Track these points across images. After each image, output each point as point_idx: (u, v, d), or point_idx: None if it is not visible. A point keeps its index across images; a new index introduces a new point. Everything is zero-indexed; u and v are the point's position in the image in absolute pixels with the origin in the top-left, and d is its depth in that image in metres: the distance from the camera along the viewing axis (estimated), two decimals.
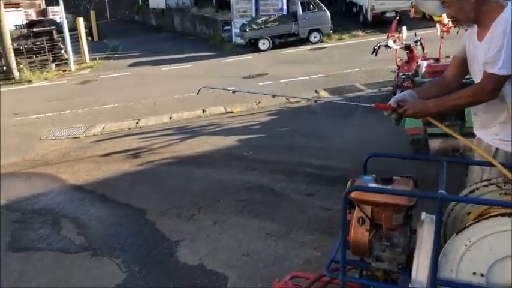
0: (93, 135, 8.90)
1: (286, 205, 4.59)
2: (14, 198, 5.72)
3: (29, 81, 16.29)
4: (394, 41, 7.29)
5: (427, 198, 1.96)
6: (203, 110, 9.61)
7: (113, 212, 4.95)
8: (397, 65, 7.65)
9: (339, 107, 8.60)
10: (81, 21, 18.96)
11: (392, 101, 2.44)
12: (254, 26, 16.99)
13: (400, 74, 7.08)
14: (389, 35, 7.52)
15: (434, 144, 5.23)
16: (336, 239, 2.18)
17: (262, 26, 16.93)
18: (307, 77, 11.56)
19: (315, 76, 11.61)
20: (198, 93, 3.40)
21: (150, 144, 7.64)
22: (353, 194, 2.02)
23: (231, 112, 9.22)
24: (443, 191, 1.85)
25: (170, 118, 9.45)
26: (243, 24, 17.57)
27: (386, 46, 7.23)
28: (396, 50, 7.48)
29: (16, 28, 25.17)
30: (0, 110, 11.07)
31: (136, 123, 9.41)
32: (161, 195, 5.28)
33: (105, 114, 10.53)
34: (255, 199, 4.82)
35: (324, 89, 10.10)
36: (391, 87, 8.03)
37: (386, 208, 2.02)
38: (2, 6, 16.55)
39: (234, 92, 3.26)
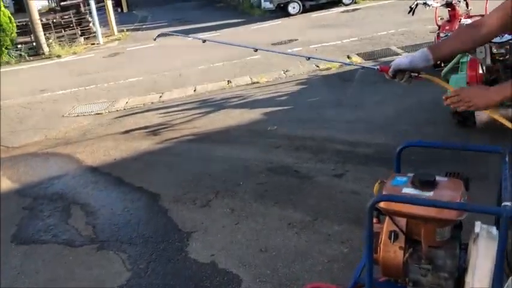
0: (116, 110, 8.61)
1: (312, 189, 4.10)
2: (28, 182, 5.50)
3: (58, 56, 16.15)
4: None
5: (487, 213, 1.42)
6: (228, 81, 9.12)
7: (125, 197, 4.61)
8: (437, 25, 6.87)
9: (375, 72, 7.95)
10: None
11: (392, 68, 1.88)
12: None
13: (441, 34, 6.31)
14: None
15: (482, 116, 4.58)
16: None
17: None
18: (339, 42, 10.81)
19: (348, 40, 10.84)
20: (155, 39, 2.93)
21: (171, 120, 7.25)
22: (382, 204, 1.50)
23: (257, 82, 8.68)
24: (509, 204, 1.31)
25: (194, 90, 9.01)
26: None
27: (425, 4, 6.45)
28: (436, 8, 6.68)
29: (49, 2, 25.15)
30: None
31: (160, 96, 9.04)
32: (178, 177, 4.89)
33: (129, 88, 10.22)
34: (277, 182, 4.35)
35: (357, 54, 9.37)
36: None
37: (428, 221, 1.50)
38: None
39: (204, 41, 2.62)
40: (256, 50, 2.64)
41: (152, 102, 8.75)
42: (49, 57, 16.19)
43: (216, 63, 11.10)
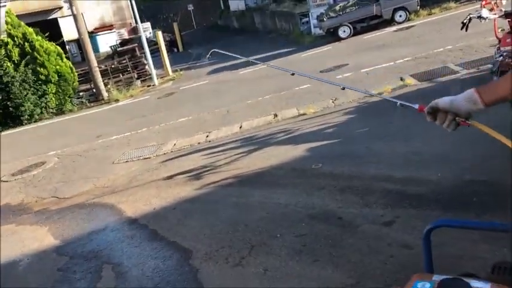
0: (164, 153, 8.53)
1: (356, 242, 3.60)
2: (68, 238, 5.42)
3: (116, 100, 16.70)
4: (491, 9, 5.83)
5: None
6: (274, 115, 8.80)
7: (157, 254, 4.33)
8: (497, 38, 6.16)
9: (433, 95, 7.30)
10: (160, 34, 19.13)
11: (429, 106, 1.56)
12: (332, 14, 15.76)
13: (502, 49, 5.62)
14: (484, 2, 6.06)
15: None
16: None
17: (341, 13, 15.63)
18: (392, 63, 10.22)
19: (401, 60, 10.22)
20: (208, 57, 2.65)
21: (214, 161, 7.00)
22: None
23: (304, 114, 8.29)
24: None
25: (240, 127, 8.77)
26: (320, 14, 16.43)
27: (480, 17, 5.79)
28: (494, 20, 6.00)
29: (111, 48, 26.51)
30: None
31: (207, 136, 8.89)
32: (213, 228, 4.56)
33: (179, 129, 10.20)
34: (318, 233, 3.89)
35: (411, 75, 8.73)
36: (491, 65, 6.54)
37: None
38: (86, 34, 17.17)
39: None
40: (293, 74, 2.36)
41: (199, 143, 8.60)
42: (108, 102, 16.78)
43: (264, 95, 10.86)
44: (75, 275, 4.33)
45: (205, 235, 4.47)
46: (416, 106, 1.66)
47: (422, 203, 3.92)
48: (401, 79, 8.64)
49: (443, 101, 1.52)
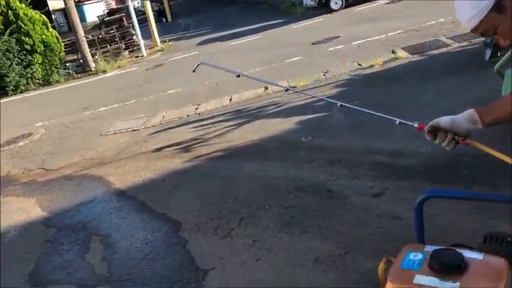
0: (152, 126, 8.45)
1: (344, 213, 3.60)
2: (56, 209, 5.38)
3: (104, 72, 16.42)
4: None
5: None
6: (265, 88, 8.70)
7: (146, 226, 4.31)
8: None
9: (423, 68, 7.25)
10: (148, 4, 18.70)
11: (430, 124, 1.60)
12: None
13: None
14: None
15: None
16: None
17: None
18: (384, 35, 10.11)
19: (393, 33, 10.11)
20: (194, 71, 2.68)
21: (203, 134, 6.94)
22: None
23: (295, 87, 8.20)
24: None
25: (230, 100, 8.68)
26: None
27: None
28: None
29: (98, 18, 25.94)
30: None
31: (196, 108, 8.80)
32: (202, 201, 4.54)
33: (168, 101, 10.07)
34: (306, 205, 3.88)
35: (403, 48, 8.65)
36: (484, 38, 6.49)
37: None
38: (73, 3, 16.71)
39: (238, 76, 2.46)
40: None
41: (188, 115, 8.51)
42: (95, 73, 16.50)
43: (255, 68, 10.73)
44: (63, 247, 4.31)
45: (194, 207, 4.45)
46: (416, 124, 1.65)
47: (411, 175, 3.92)
48: (393, 52, 8.56)
49: (444, 121, 1.52)
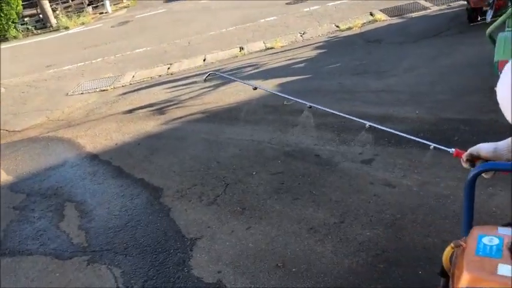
0: (122, 86, 8.06)
1: (336, 180, 3.48)
2: (23, 174, 5.04)
3: (66, 28, 15.57)
4: None
5: None
6: (240, 48, 8.40)
7: (124, 192, 4.07)
8: None
9: (403, 31, 7.11)
10: None
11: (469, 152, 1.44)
12: None
13: None
14: None
15: None
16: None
17: None
18: None
19: None
20: (205, 80, 2.48)
21: (178, 95, 6.64)
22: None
23: (272, 48, 7.95)
24: None
25: (204, 60, 8.35)
26: None
27: None
28: None
29: None
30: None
31: (168, 68, 8.43)
32: (183, 166, 4.33)
33: (137, 60, 9.62)
34: (295, 171, 3.74)
35: (381, 10, 8.47)
36: (466, 2, 6.39)
37: None
38: None
39: (255, 88, 2.29)
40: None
41: (160, 75, 8.15)
42: (57, 30, 15.62)
43: (228, 27, 10.36)
44: (34, 214, 4.03)
45: (175, 172, 4.24)
46: (453, 150, 1.48)
47: (401, 140, 3.82)
48: (371, 14, 8.38)
49: (485, 149, 1.39)
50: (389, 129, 1.87)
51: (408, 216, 2.86)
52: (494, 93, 1.17)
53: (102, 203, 3.96)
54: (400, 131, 2.08)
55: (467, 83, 4.63)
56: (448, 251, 1.03)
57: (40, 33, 15.63)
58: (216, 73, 2.74)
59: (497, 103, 3.68)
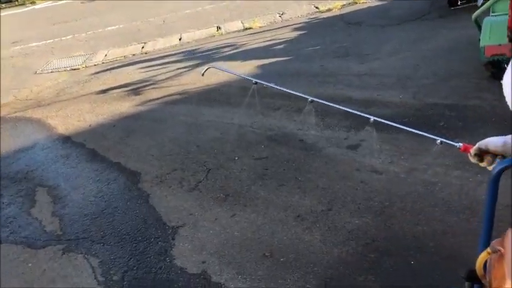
0: (94, 64, 7.76)
1: (321, 166, 3.39)
2: None
3: (33, 3, 14.94)
4: None
5: None
6: (218, 28, 8.19)
7: (99, 176, 3.89)
8: None
9: (384, 13, 7.03)
10: None
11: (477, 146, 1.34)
12: None
13: None
14: None
15: None
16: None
17: None
18: None
19: None
20: (203, 74, 2.34)
21: (154, 75, 6.43)
22: None
23: (250, 28, 7.77)
24: None
25: (180, 39, 8.10)
26: None
27: None
28: None
29: None
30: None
31: (142, 47, 8.16)
32: (161, 150, 4.17)
33: (109, 38, 9.29)
34: (279, 156, 3.64)
35: None
36: None
37: None
38: None
39: (255, 83, 2.17)
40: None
41: (134, 54, 7.89)
42: (23, 4, 14.97)
43: (204, 6, 10.09)
44: (3, 199, 3.82)
45: (153, 156, 4.08)
46: (460, 145, 1.40)
47: (386, 125, 3.74)
48: None
49: (494, 143, 1.31)
50: (393, 123, 1.77)
51: (397, 204, 2.81)
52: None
53: (77, 188, 3.78)
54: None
55: (451, 67, 4.60)
56: (482, 256, 0.94)
57: (4, 7, 14.94)
58: (215, 67, 2.60)
59: (481, 89, 3.65)
